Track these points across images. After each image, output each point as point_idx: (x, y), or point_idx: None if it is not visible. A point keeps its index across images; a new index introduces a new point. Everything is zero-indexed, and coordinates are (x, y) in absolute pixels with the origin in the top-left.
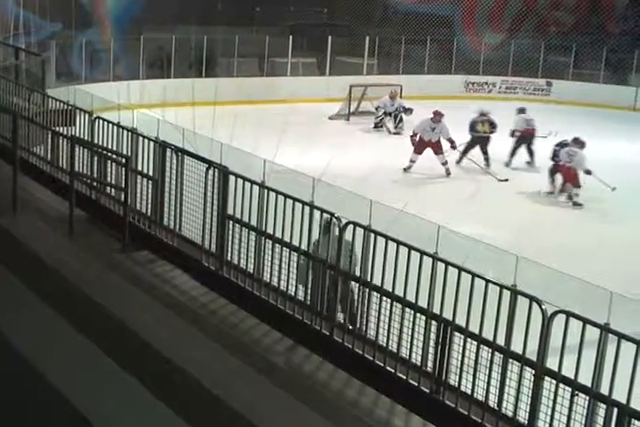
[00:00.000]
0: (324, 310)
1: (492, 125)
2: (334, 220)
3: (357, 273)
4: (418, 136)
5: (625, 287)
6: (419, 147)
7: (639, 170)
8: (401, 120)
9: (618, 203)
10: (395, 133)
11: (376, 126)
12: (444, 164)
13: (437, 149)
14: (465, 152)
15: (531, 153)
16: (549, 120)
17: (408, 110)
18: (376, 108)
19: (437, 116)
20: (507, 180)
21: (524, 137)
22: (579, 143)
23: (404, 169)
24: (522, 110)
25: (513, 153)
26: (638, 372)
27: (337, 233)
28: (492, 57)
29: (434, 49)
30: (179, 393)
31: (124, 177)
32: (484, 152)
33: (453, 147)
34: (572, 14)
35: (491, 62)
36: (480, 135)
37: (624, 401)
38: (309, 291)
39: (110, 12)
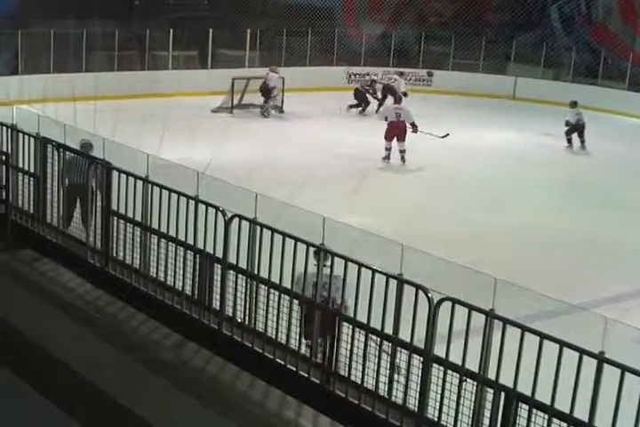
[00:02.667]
0: (211, 304)
1: None
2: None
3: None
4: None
5: (508, 273)
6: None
7: (513, 157)
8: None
9: (496, 192)
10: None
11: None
12: (403, 151)
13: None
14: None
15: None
16: (431, 110)
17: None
18: (272, 89)
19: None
20: (447, 135)
21: None
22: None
23: (384, 159)
24: None
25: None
26: (524, 356)
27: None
28: (373, 48)
29: (315, 41)
30: (67, 393)
31: (4, 174)
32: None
33: (415, 131)
34: (450, 5)
35: (372, 53)
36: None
37: (511, 385)
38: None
39: None
